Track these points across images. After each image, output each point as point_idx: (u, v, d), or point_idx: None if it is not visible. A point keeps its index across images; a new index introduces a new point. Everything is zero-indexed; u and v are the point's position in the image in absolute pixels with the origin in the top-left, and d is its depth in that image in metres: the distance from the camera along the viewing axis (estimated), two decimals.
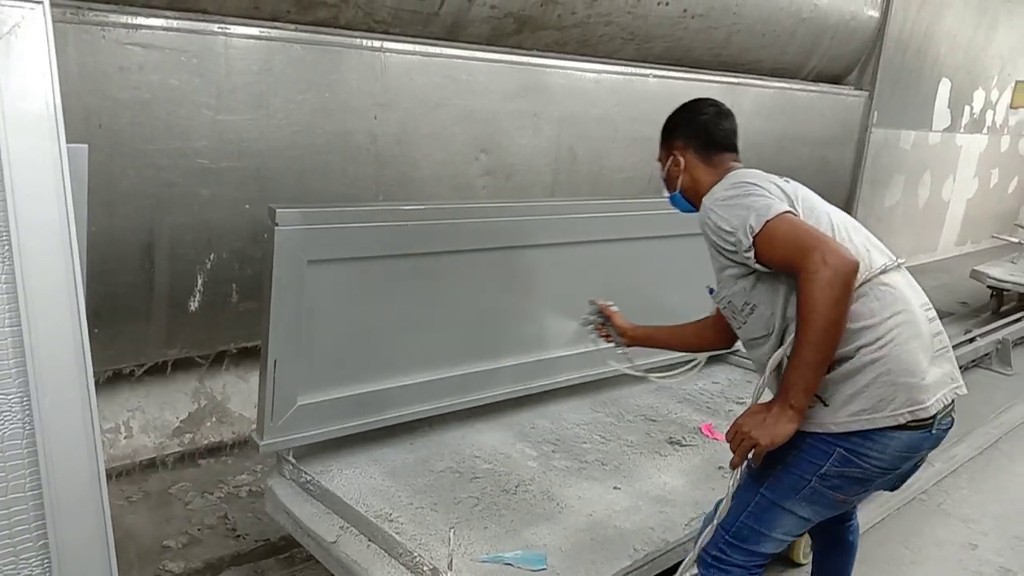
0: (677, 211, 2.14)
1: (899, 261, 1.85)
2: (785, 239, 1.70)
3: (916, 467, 1.87)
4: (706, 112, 2.03)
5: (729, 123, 2.04)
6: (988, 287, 6.67)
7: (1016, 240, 7.51)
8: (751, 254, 1.74)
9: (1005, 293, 6.76)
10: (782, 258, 1.71)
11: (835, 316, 1.63)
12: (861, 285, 1.73)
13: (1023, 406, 4.75)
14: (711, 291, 1.99)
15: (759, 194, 1.79)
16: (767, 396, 1.83)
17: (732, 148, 2.03)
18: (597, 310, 2.58)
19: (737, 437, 1.75)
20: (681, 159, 2.02)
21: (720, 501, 1.89)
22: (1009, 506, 3.54)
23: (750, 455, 1.76)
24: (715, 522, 1.89)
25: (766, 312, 1.82)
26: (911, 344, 1.74)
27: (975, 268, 6.69)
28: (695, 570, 2.01)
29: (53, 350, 1.72)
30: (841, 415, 1.73)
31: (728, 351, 3.88)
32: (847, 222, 1.89)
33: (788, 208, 1.76)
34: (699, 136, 2.01)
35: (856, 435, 1.73)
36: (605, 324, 2.57)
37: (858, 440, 1.73)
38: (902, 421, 1.71)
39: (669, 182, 2.07)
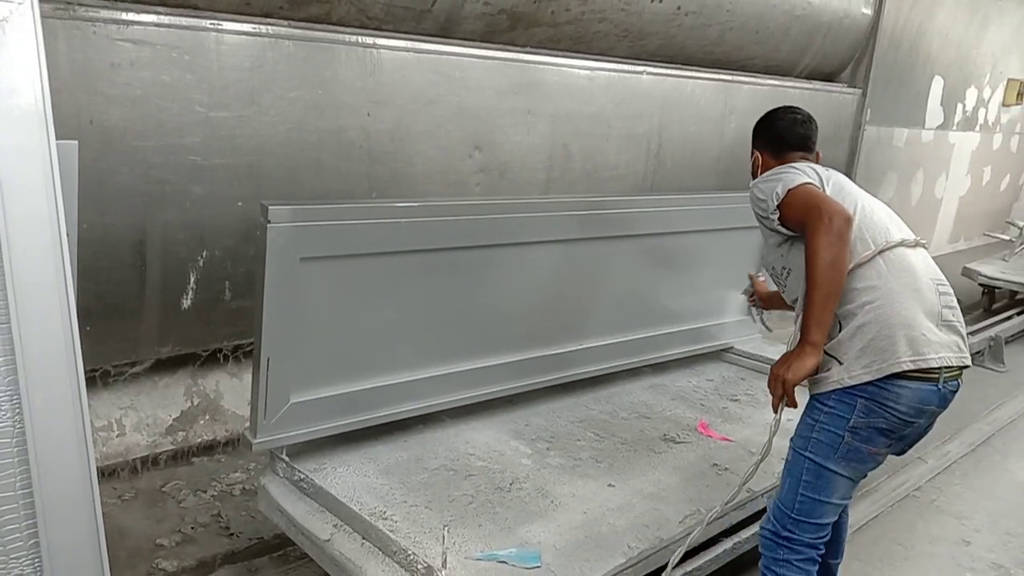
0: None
1: (919, 240, 2.13)
2: (798, 203, 2.04)
3: (927, 429, 2.10)
4: (783, 119, 2.38)
5: (803, 128, 2.35)
6: (980, 285, 6.69)
7: (1008, 238, 7.54)
8: (776, 216, 2.08)
9: (997, 291, 6.79)
10: (797, 218, 2.04)
11: (831, 257, 1.93)
12: (874, 256, 2.02)
13: (1016, 403, 4.78)
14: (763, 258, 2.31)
15: (791, 172, 2.12)
16: None
17: (804, 148, 2.34)
18: (751, 282, 2.99)
19: (770, 380, 2.04)
20: (759, 157, 2.39)
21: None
22: (1002, 502, 3.55)
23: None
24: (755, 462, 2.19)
25: (799, 275, 2.07)
26: (911, 304, 1.99)
27: (967, 266, 6.70)
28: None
29: (44, 348, 1.70)
30: (854, 369, 1.99)
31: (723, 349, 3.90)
32: (875, 206, 2.16)
33: (812, 182, 2.09)
34: (772, 139, 2.37)
35: (870, 385, 1.97)
36: (754, 294, 2.98)
37: (873, 390, 1.97)
38: (905, 368, 1.95)
39: (752, 174, 2.39)
